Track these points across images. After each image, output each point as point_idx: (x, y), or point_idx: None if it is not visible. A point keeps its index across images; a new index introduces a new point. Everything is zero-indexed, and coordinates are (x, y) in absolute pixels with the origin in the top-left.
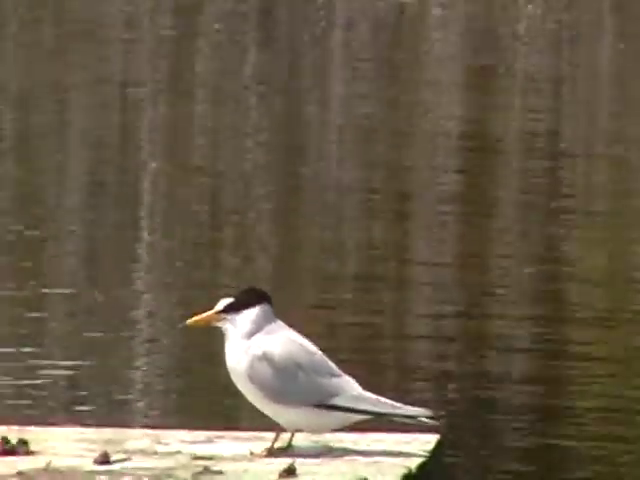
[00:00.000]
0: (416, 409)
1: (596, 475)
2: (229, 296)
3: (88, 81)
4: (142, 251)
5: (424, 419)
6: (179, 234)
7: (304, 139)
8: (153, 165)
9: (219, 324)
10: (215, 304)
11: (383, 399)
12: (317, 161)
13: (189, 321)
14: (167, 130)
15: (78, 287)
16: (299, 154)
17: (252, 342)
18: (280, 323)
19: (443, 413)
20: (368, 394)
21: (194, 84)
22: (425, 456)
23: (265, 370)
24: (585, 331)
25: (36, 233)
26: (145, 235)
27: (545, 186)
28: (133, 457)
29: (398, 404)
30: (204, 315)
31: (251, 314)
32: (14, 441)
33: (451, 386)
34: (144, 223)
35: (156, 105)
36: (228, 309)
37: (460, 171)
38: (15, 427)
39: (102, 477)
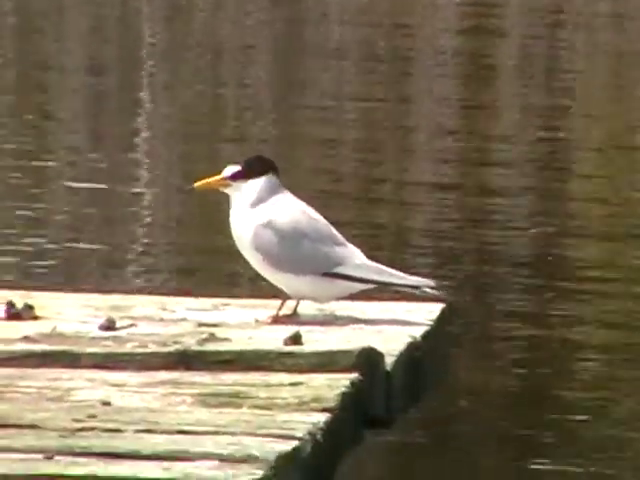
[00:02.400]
0: (420, 279)
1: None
2: (236, 163)
3: None
4: (147, 114)
5: (428, 289)
6: (182, 100)
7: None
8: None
9: (225, 190)
10: (221, 170)
11: (387, 269)
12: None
13: (197, 184)
14: None
15: (81, 149)
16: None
17: (257, 211)
18: (286, 192)
19: (446, 284)
20: (372, 263)
21: None
22: (430, 325)
23: (270, 238)
24: (589, 205)
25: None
26: (148, 99)
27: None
28: (138, 323)
29: (402, 274)
30: (211, 179)
31: (257, 183)
32: (20, 305)
33: (454, 257)
34: (147, 88)
35: None
36: (235, 176)
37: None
38: (20, 292)
39: (107, 342)
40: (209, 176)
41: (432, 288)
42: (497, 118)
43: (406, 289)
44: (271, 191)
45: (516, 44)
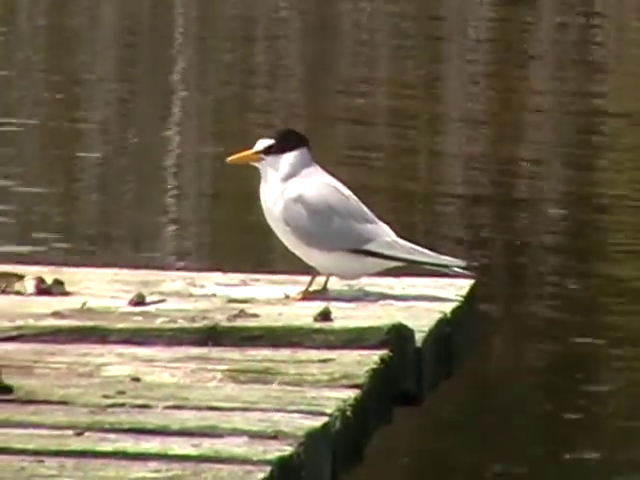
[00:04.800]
0: (450, 259)
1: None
2: (268, 137)
3: None
4: (175, 88)
5: (457, 269)
6: (211, 74)
7: None
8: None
9: (257, 164)
10: (253, 143)
11: (417, 247)
12: None
13: (230, 158)
14: None
15: (111, 128)
16: None
17: (288, 185)
18: (317, 167)
19: (476, 264)
20: (402, 241)
21: None
22: (459, 301)
23: (300, 213)
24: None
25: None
26: (177, 79)
27: None
28: (168, 299)
29: (432, 253)
30: (244, 154)
31: (290, 157)
32: (49, 281)
33: (484, 237)
34: (176, 69)
35: None
36: (267, 150)
37: None
38: (50, 267)
39: (137, 318)
40: (241, 150)
41: (462, 268)
42: (529, 95)
43: (436, 268)
44: (303, 165)
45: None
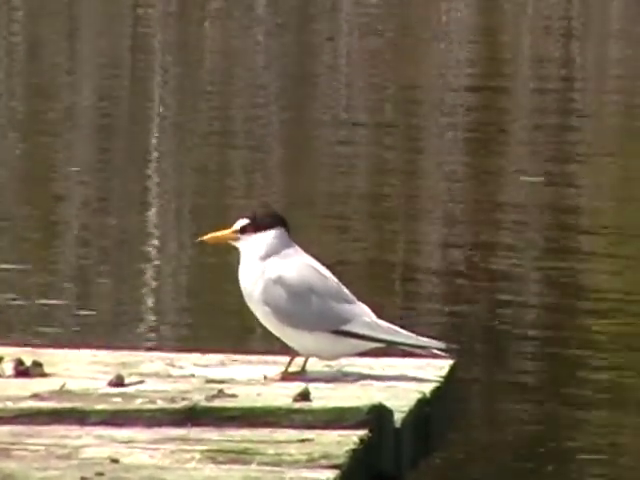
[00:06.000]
0: (429, 340)
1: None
2: (246, 216)
3: None
4: (153, 172)
5: (437, 351)
6: (191, 151)
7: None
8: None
9: (235, 243)
10: (231, 223)
11: (397, 328)
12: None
13: (205, 237)
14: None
15: (88, 208)
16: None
17: (267, 265)
18: (296, 247)
19: (455, 346)
20: (382, 322)
21: None
22: (439, 381)
23: (279, 294)
24: (596, 262)
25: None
26: (155, 151)
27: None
28: (147, 380)
29: (411, 334)
30: (220, 233)
31: (268, 237)
32: (28, 363)
33: (462, 316)
34: (154, 141)
35: None
36: (245, 230)
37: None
38: (29, 349)
39: (116, 399)
40: (218, 229)
41: (442, 350)
42: (505, 183)
43: (415, 349)
44: (280, 245)
45: None
